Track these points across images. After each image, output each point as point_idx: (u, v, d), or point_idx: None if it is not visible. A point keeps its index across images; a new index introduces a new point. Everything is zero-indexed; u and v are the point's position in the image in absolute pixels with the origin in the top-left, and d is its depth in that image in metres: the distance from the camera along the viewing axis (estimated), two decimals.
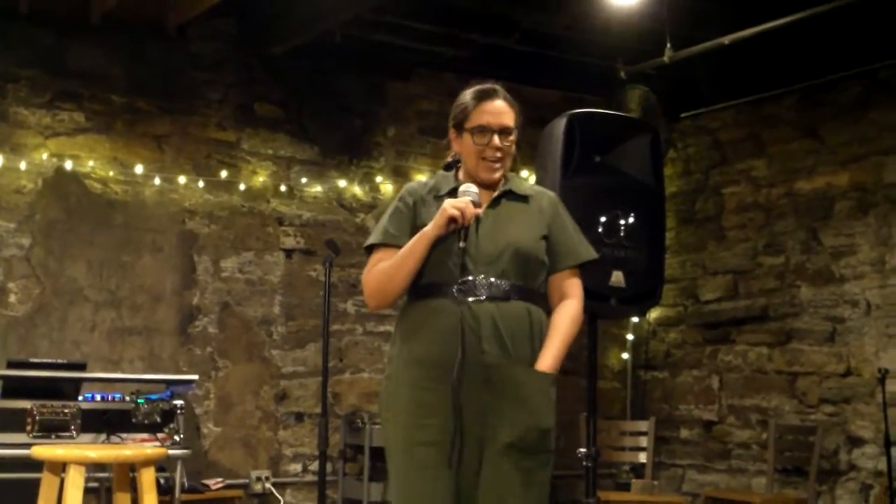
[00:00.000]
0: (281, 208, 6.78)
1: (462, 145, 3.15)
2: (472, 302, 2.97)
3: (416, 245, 3.00)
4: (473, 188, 3.06)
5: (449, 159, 3.29)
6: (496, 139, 3.10)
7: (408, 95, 7.27)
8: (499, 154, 3.10)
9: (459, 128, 3.15)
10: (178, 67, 6.54)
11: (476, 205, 3.02)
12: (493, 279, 3.00)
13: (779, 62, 6.71)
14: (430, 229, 2.99)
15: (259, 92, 6.79)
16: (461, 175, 3.19)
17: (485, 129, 3.09)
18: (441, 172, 3.25)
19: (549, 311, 3.17)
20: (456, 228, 2.98)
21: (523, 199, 3.17)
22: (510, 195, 3.16)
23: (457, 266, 3.00)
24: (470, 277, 2.99)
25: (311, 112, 6.94)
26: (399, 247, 3.05)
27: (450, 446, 2.93)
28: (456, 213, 2.96)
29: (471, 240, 3.00)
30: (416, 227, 3.06)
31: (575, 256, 3.19)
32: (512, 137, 3.13)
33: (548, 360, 3.03)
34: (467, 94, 3.16)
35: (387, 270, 3.04)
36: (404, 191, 3.19)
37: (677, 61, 6.42)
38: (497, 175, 3.12)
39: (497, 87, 3.17)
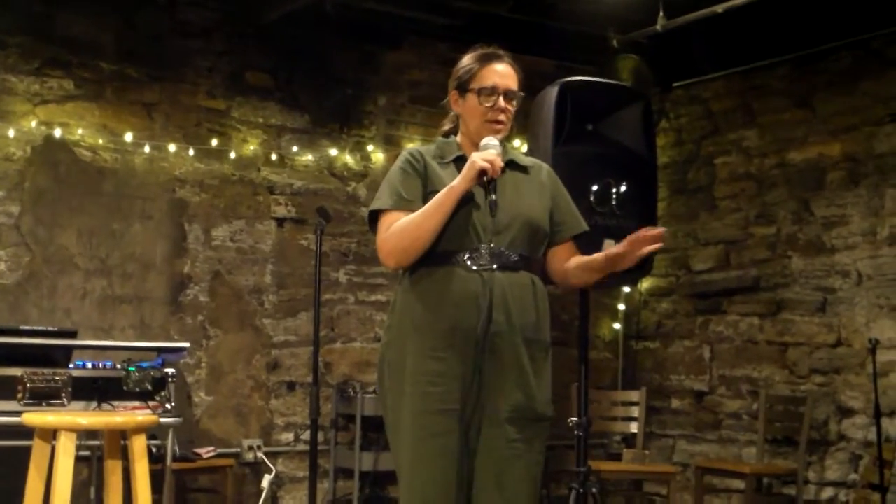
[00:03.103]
0: (272, 177, 6.76)
1: (465, 106, 3.14)
2: (485, 271, 2.96)
3: (446, 199, 2.95)
4: (495, 141, 3.04)
5: (445, 127, 3.27)
6: (502, 101, 3.09)
7: (399, 64, 7.24)
8: (503, 116, 3.10)
9: (463, 88, 3.14)
10: (168, 35, 6.50)
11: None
12: (502, 248, 3.00)
13: (772, 31, 6.68)
14: (460, 183, 2.96)
15: (249, 60, 6.75)
16: (460, 139, 3.18)
17: (493, 90, 3.09)
18: (440, 139, 3.23)
19: (546, 283, 3.18)
20: (486, 181, 2.95)
21: (524, 169, 3.17)
22: (512, 165, 3.15)
23: (471, 233, 2.99)
24: (482, 246, 2.98)
25: (302, 80, 6.90)
26: (412, 212, 3.00)
27: (465, 413, 2.94)
28: (486, 164, 2.93)
29: (482, 209, 2.99)
30: (427, 194, 3.03)
31: (577, 226, 3.24)
32: (515, 102, 3.13)
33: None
34: (472, 56, 3.16)
35: (409, 228, 2.98)
36: (408, 155, 3.13)
37: (670, 30, 6.40)
38: (500, 137, 3.10)
39: (502, 51, 3.18)
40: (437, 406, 2.95)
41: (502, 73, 3.12)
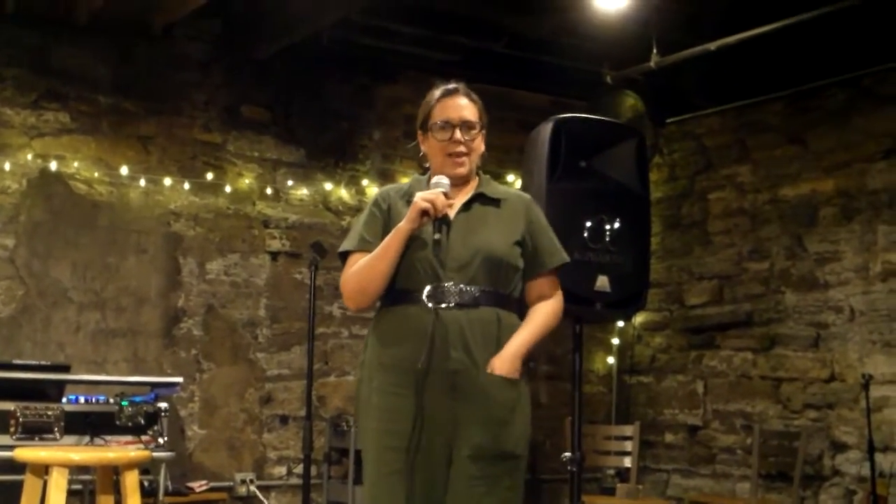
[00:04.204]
0: (267, 211, 6.77)
1: (428, 145, 3.17)
2: (441, 309, 2.97)
3: (391, 241, 3.00)
4: (445, 179, 3.06)
5: (427, 165, 3.30)
6: (458, 133, 3.10)
7: (394, 99, 7.27)
8: (462, 149, 3.11)
9: (424, 127, 3.17)
10: (164, 68, 6.52)
11: (447, 196, 3.02)
12: (462, 285, 3.00)
13: (765, 68, 6.73)
14: (404, 224, 3.00)
15: (245, 94, 6.77)
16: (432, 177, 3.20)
17: (446, 124, 3.11)
18: (415, 176, 3.26)
19: (524, 316, 3.17)
20: (430, 220, 2.98)
21: (495, 202, 3.16)
22: (482, 198, 3.15)
23: (427, 271, 3.00)
24: (440, 284, 2.99)
25: (298, 114, 6.93)
26: None
27: (409, 452, 2.95)
28: (426, 205, 2.96)
29: (442, 245, 3.00)
30: (387, 233, 3.05)
31: (551, 261, 3.20)
32: (474, 132, 3.14)
33: (510, 347, 3.02)
34: (428, 96, 3.19)
35: (363, 270, 3.04)
36: (377, 196, 3.19)
37: (664, 67, 6.45)
38: (463, 170, 3.12)
39: (459, 85, 3.19)
40: (396, 443, 2.97)
41: (456, 106, 3.13)
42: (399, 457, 2.95)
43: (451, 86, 3.18)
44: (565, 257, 3.23)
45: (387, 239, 3.02)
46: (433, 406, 2.95)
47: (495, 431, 2.98)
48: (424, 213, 2.97)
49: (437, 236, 2.98)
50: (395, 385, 2.99)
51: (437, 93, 3.17)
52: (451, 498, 2.97)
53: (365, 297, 3.08)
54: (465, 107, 3.14)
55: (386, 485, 2.97)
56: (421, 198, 2.98)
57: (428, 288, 2.99)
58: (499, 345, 3.02)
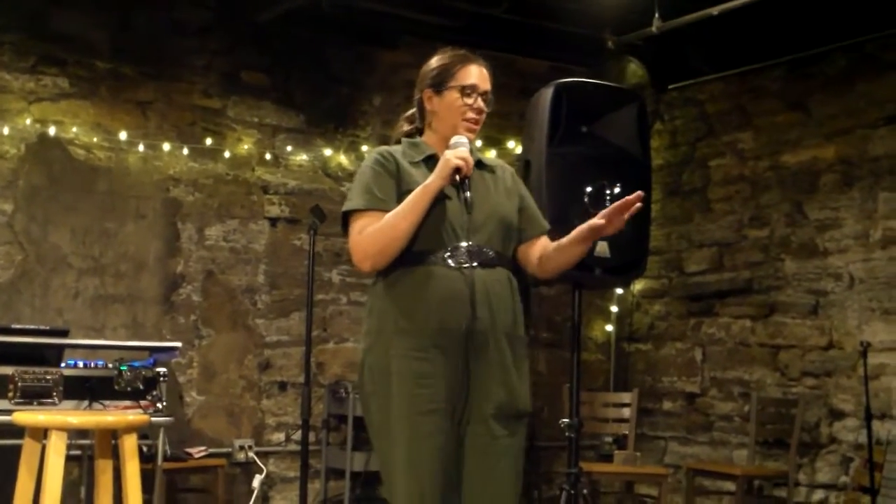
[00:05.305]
0: (266, 176, 6.75)
1: (441, 104, 3.14)
2: (466, 269, 2.96)
3: (421, 198, 2.95)
4: (464, 139, 3.05)
5: (404, 128, 3.27)
6: (480, 101, 3.12)
7: (395, 64, 7.23)
8: (478, 117, 3.13)
9: (439, 86, 3.14)
10: (164, 33, 6.48)
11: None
12: (480, 246, 3.00)
13: (767, 34, 6.69)
14: (434, 181, 2.96)
15: (245, 59, 6.74)
16: (428, 139, 3.18)
17: (474, 89, 3.11)
18: (406, 140, 3.22)
19: (521, 279, 3.18)
20: (459, 179, 2.96)
21: (491, 169, 3.19)
22: (480, 165, 3.16)
23: (448, 232, 2.99)
24: (459, 244, 2.99)
25: (298, 80, 6.90)
26: (386, 212, 2.99)
27: (444, 414, 2.94)
28: (461, 162, 2.95)
29: (458, 207, 2.99)
30: (401, 194, 3.01)
31: (544, 224, 3.24)
32: (487, 106, 3.16)
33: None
34: (447, 56, 3.18)
35: (384, 229, 2.96)
36: (378, 155, 3.12)
37: (665, 32, 6.40)
38: (472, 137, 3.13)
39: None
40: (427, 406, 2.94)
41: (481, 75, 3.15)
42: (430, 419, 2.93)
43: (468, 52, 3.19)
44: (547, 224, 3.27)
45: (413, 196, 2.96)
46: (458, 367, 2.95)
47: (512, 390, 3.02)
48: (457, 169, 2.95)
49: (468, 195, 2.96)
50: (418, 349, 2.95)
51: (455, 55, 3.17)
52: (474, 456, 2.98)
53: (385, 257, 2.99)
54: (487, 78, 3.16)
55: (423, 448, 2.93)
56: (454, 155, 2.96)
57: (449, 248, 2.98)
58: (514, 306, 3.06)
